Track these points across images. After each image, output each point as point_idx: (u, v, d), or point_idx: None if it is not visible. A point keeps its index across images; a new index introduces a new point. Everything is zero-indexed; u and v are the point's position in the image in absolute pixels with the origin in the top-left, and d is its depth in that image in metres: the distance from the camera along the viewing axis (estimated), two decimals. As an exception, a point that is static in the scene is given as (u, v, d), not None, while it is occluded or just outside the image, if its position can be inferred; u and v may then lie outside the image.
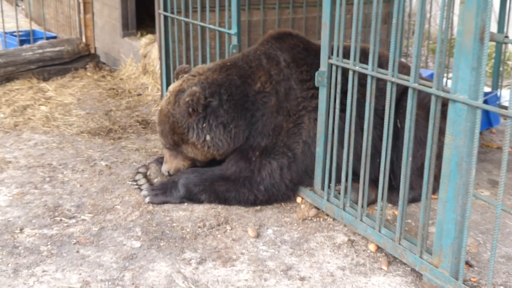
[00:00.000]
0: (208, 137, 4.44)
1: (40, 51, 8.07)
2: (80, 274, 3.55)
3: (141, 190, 4.64)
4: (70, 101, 7.15)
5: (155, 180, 4.68)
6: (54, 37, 9.74)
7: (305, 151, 4.47)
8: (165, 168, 4.70)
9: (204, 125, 4.41)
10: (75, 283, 3.45)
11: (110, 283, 3.46)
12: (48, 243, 3.88)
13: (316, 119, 4.38)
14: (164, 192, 4.49)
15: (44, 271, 3.57)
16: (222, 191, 4.44)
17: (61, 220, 4.21)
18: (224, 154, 4.55)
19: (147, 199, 4.47)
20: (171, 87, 4.62)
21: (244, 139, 4.51)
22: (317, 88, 4.31)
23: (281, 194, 4.50)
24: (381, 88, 4.05)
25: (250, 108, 4.49)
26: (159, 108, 4.67)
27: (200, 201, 4.47)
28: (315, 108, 4.40)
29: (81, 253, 3.78)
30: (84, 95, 7.43)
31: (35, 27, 11.31)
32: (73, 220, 4.22)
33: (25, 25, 11.78)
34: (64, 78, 8.12)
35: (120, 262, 3.68)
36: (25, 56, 7.95)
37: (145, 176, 4.76)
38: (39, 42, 8.50)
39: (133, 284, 3.46)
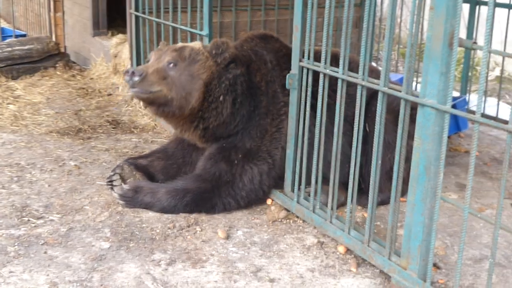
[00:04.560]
0: (221, 98, 4.36)
1: (9, 49, 7.97)
2: (47, 275, 3.51)
3: (113, 191, 4.51)
4: (39, 100, 7.08)
5: (128, 181, 4.61)
6: (24, 35, 9.62)
7: (283, 157, 4.48)
8: (139, 67, 4.37)
9: (223, 85, 4.36)
10: (43, 284, 3.42)
11: (78, 284, 3.43)
12: (16, 244, 3.84)
13: None
14: (140, 200, 4.38)
15: (11, 272, 3.52)
16: (205, 201, 4.36)
17: (28, 220, 4.17)
18: (207, 128, 4.46)
19: (120, 202, 4.41)
20: None
21: (234, 131, 4.48)
22: None
23: (258, 199, 4.51)
24: (350, 94, 4.07)
25: (253, 101, 4.51)
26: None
27: (180, 212, 4.37)
28: None
29: (49, 254, 3.74)
30: (54, 94, 7.36)
31: (4, 25, 11.18)
32: (41, 221, 4.17)
33: (-7, 22, 11.64)
34: (33, 77, 8.03)
35: (89, 263, 3.66)
36: (-6, 54, 7.85)
37: (121, 176, 4.67)
38: (8, 40, 8.40)
39: (101, 285, 3.43)
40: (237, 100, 4.43)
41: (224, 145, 4.50)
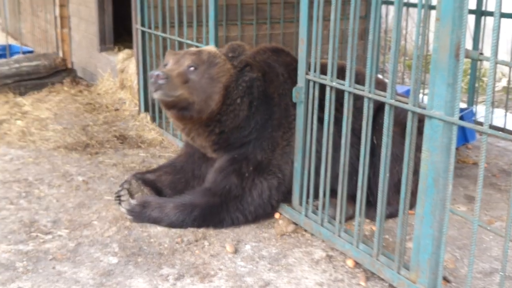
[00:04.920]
0: (238, 100, 4.36)
1: (17, 65, 8.01)
2: (56, 291, 3.51)
3: (121, 206, 4.49)
4: (46, 116, 7.10)
5: (136, 196, 4.60)
6: (31, 52, 9.69)
7: (292, 171, 4.46)
8: (162, 70, 4.30)
9: (240, 87, 4.37)
10: (51, 300, 3.42)
11: (86, 300, 3.43)
12: (24, 259, 3.84)
13: None
14: (147, 215, 4.37)
15: (19, 287, 3.53)
16: (214, 216, 4.35)
17: (37, 236, 4.17)
18: (222, 132, 4.45)
19: (128, 217, 4.41)
20: None
21: (247, 139, 4.48)
22: None
23: (266, 214, 4.50)
24: (358, 107, 4.06)
25: (268, 110, 4.50)
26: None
27: (188, 226, 4.35)
28: None
29: (58, 269, 3.74)
30: (61, 110, 7.37)
31: (11, 41, 11.25)
32: (49, 236, 4.17)
33: (1, 39, 11.71)
34: (40, 92, 8.06)
35: (97, 279, 3.65)
36: (1, 71, 7.88)
37: (129, 191, 4.65)
38: (16, 57, 8.44)
39: (110, 301, 3.43)
40: (253, 104, 4.44)
41: (235, 157, 4.49)
